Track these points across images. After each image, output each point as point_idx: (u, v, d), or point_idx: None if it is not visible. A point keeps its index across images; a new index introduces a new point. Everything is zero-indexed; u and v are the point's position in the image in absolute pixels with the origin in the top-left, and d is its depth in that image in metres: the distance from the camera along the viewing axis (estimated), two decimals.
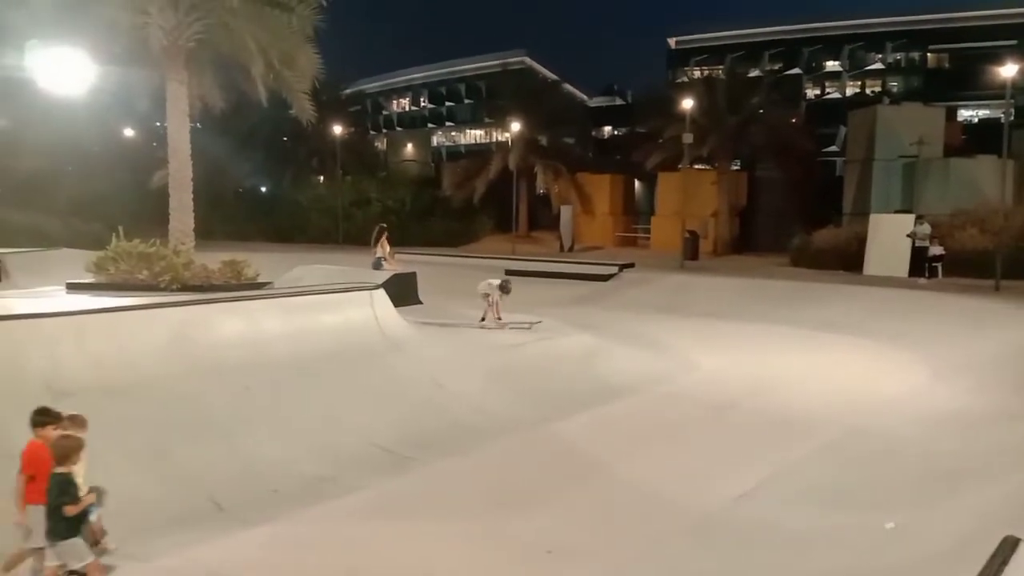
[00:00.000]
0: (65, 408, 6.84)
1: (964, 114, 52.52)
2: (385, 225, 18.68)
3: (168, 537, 5.91)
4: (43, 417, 5.19)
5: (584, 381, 11.52)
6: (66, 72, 14.29)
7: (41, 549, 4.97)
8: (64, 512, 4.80)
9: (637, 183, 41.54)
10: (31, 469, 4.98)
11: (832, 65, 62.55)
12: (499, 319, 14.02)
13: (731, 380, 12.22)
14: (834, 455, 8.57)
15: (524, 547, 6.03)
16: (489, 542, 6.13)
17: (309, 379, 9.39)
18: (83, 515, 4.92)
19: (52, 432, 5.10)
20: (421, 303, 16.38)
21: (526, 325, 14.05)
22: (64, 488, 4.82)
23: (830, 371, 13.02)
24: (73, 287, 11.28)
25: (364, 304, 11.60)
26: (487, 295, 14.09)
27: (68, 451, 4.88)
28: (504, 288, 14.07)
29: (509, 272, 24.87)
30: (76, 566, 4.89)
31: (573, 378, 11.62)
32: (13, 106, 18.15)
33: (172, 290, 10.82)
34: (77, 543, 4.88)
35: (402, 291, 15.04)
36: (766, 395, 11.21)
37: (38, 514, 4.91)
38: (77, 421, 5.29)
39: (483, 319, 14.09)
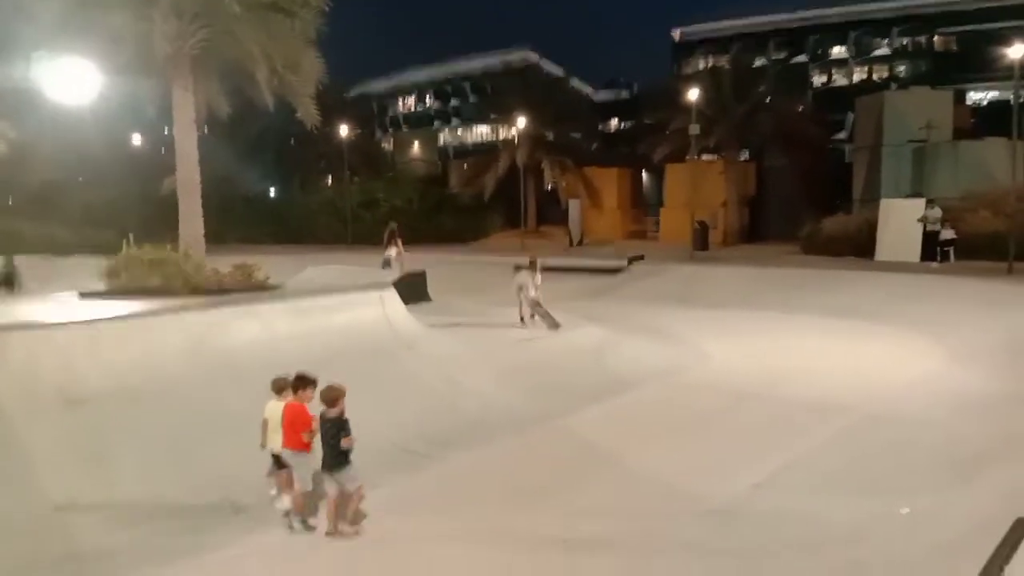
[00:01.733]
0: (81, 414, 6.95)
1: (973, 97, 51.94)
2: (395, 225, 18.71)
3: (186, 537, 5.98)
4: (298, 382, 6.29)
5: (597, 374, 11.52)
6: (73, 82, 14.43)
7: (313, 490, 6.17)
8: (341, 445, 5.96)
9: (645, 175, 41.50)
10: (298, 424, 6.11)
11: (838, 52, 62.03)
12: (534, 307, 13.70)
13: (745, 369, 12.19)
14: (851, 442, 8.54)
15: (541, 539, 6.05)
16: (506, 535, 6.16)
17: (322, 379, 9.40)
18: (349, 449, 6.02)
19: (309, 393, 6.24)
20: (431, 300, 16.41)
21: (553, 326, 13.62)
22: (340, 426, 6.01)
23: (845, 358, 12.96)
24: (85, 294, 11.35)
25: (374, 303, 11.63)
26: (521, 288, 13.86)
27: (337, 396, 6.09)
28: (533, 264, 13.94)
29: (519, 268, 24.98)
30: (351, 488, 6.05)
31: (586, 371, 11.62)
32: (23, 118, 18.32)
33: (184, 295, 10.87)
34: (352, 469, 6.05)
35: (412, 290, 15.07)
36: (781, 383, 11.17)
37: (299, 458, 6.11)
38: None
39: (522, 319, 13.84)
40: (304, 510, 6.19)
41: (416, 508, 6.75)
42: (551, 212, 40.27)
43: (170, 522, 6.24)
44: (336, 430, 5.98)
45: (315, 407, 6.18)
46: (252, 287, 11.81)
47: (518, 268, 14.28)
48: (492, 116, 64.13)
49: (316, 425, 6.09)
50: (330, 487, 6.06)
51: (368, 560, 5.80)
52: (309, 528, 6.14)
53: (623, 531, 6.24)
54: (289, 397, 6.29)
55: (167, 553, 5.74)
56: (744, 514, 6.50)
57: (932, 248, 21.65)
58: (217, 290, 11.22)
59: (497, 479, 7.52)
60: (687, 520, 6.40)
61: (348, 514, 6.11)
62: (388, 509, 6.63)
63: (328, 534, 6.05)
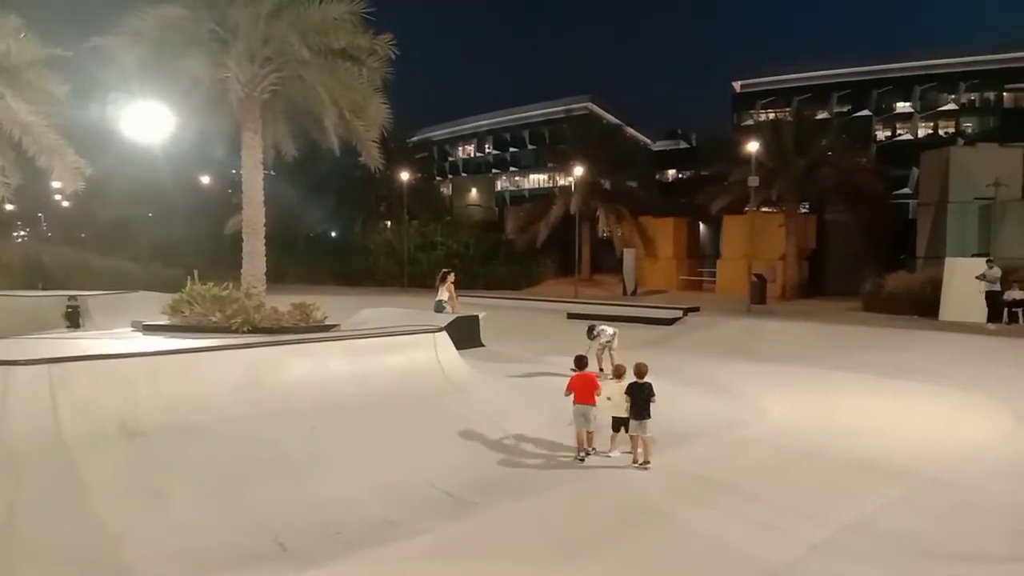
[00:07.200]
0: (139, 446, 7.10)
1: None
2: (450, 270, 18.83)
3: (233, 573, 5.99)
4: (582, 363, 10.04)
5: (650, 427, 11.31)
6: (147, 122, 15.05)
7: (591, 432, 9.40)
8: (649, 402, 9.08)
9: (702, 226, 41.23)
10: (594, 387, 9.41)
11: (903, 106, 61.39)
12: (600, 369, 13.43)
13: (802, 426, 11.87)
14: (911, 505, 8.21)
15: None
16: None
17: (373, 420, 9.49)
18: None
19: (590, 372, 9.82)
20: (483, 346, 16.41)
21: None
22: (650, 390, 9.14)
23: (907, 418, 12.54)
24: (149, 328, 11.65)
25: (427, 346, 11.69)
26: (607, 344, 13.31)
27: (645, 369, 9.33)
28: (590, 333, 13.40)
29: (571, 315, 24.94)
30: (646, 434, 9.13)
31: None
32: (99, 156, 19.12)
33: (243, 332, 11.08)
34: (649, 421, 9.11)
35: (464, 334, 15.08)
36: (839, 442, 10.84)
37: (591, 410, 9.30)
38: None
39: (601, 370, 13.44)
40: (589, 444, 9.38)
41: (460, 555, 6.68)
42: (604, 260, 40.23)
43: (219, 557, 6.28)
44: (647, 392, 9.08)
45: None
46: (310, 326, 11.97)
47: (592, 328, 13.67)
48: (549, 164, 64.85)
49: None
50: (640, 431, 9.07)
51: None
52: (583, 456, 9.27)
53: None
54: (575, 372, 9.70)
55: None
56: None
57: (995, 308, 20.92)
58: (276, 328, 11.41)
59: (544, 529, 7.41)
60: None
61: (643, 451, 9.13)
62: (430, 555, 6.59)
63: (640, 463, 9.11)
